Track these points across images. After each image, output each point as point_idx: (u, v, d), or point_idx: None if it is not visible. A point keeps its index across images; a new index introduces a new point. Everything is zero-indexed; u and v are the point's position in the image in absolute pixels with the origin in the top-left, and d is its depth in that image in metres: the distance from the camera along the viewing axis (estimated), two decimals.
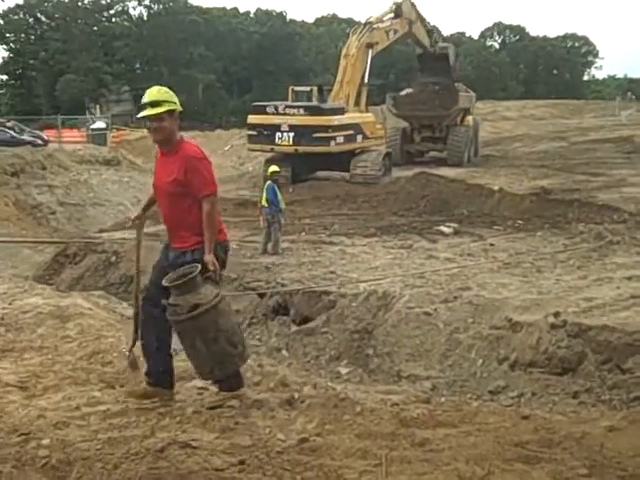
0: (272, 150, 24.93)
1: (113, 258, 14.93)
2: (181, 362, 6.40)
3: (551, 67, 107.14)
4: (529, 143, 39.80)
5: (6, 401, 5.72)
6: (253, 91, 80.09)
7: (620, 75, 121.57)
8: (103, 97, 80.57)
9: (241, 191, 25.26)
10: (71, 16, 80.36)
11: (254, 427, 5.23)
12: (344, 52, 27.29)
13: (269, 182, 14.75)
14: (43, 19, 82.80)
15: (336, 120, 24.16)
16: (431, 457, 4.71)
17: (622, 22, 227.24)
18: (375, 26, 27.81)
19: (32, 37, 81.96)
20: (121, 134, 47.36)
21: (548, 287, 10.91)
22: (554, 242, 14.69)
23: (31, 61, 79.58)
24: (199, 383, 6.22)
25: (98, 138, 40.77)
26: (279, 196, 14.62)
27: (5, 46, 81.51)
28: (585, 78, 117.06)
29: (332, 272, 12.56)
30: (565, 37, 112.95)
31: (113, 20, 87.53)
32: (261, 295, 12.28)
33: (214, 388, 5.83)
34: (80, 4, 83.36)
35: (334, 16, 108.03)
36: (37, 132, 42.22)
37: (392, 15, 28.97)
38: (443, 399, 7.13)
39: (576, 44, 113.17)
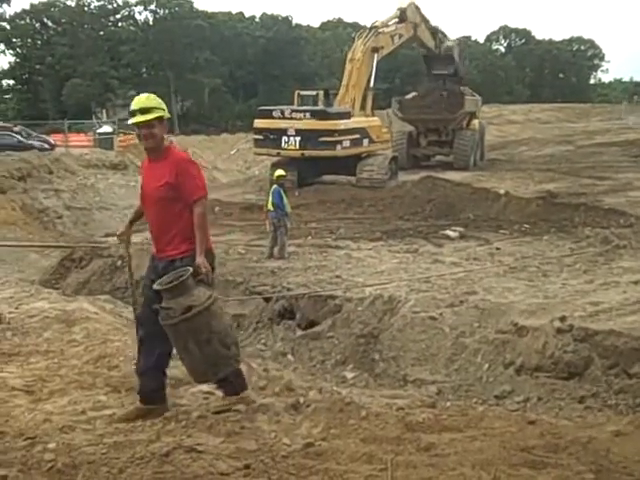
0: (278, 154, 24.95)
1: (119, 262, 14.94)
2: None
3: (557, 70, 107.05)
4: (535, 147, 39.75)
5: (12, 405, 5.73)
6: (259, 95, 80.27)
7: (626, 78, 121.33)
8: (109, 101, 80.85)
9: (247, 195, 25.27)
10: (77, 21, 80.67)
11: (259, 431, 5.23)
12: (350, 56, 27.32)
13: (275, 186, 14.76)
14: (50, 24, 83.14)
15: (342, 124, 24.17)
16: (437, 462, 4.70)
17: (628, 25, 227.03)
18: (380, 30, 27.84)
19: (39, 42, 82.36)
20: (128, 138, 47.38)
21: (554, 291, 10.88)
22: (560, 246, 14.65)
23: (38, 66, 79.92)
24: (205, 388, 6.22)
25: (105, 142, 40.92)
26: (285, 200, 14.62)
27: (12, 51, 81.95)
28: (591, 81, 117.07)
29: (338, 276, 12.55)
30: (571, 40, 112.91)
31: (119, 25, 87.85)
32: (267, 299, 12.28)
33: (219, 392, 5.82)
34: (86, 9, 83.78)
35: (340, 20, 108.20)
36: (44, 136, 42.40)
37: (397, 20, 29.01)
38: (449, 403, 7.11)
39: (582, 47, 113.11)
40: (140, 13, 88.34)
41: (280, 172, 15.30)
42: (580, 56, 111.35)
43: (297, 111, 24.70)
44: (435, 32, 31.80)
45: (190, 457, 4.71)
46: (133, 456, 4.68)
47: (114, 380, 6.31)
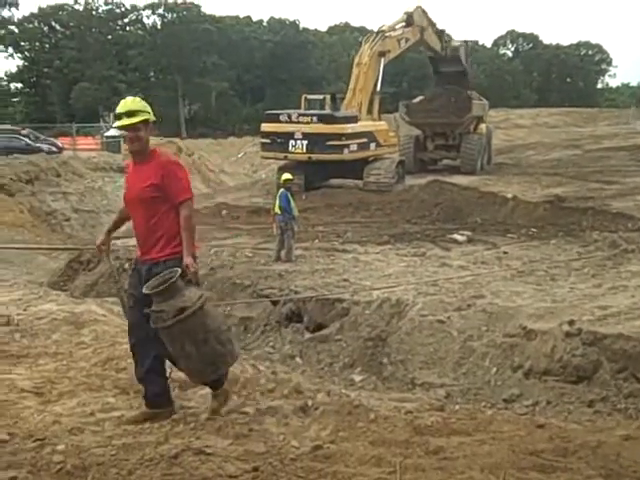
0: (285, 158, 24.98)
1: (127, 264, 14.96)
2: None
3: (564, 75, 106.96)
4: (542, 151, 39.72)
5: (21, 407, 5.75)
6: (266, 99, 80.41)
7: (634, 83, 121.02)
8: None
9: (254, 198, 25.30)
10: (85, 25, 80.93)
11: (268, 434, 5.24)
12: (356, 60, 27.35)
13: (282, 190, 14.75)
14: (58, 28, 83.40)
15: (349, 128, 24.20)
16: (445, 465, 4.70)
17: (636, 30, 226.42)
18: (387, 35, 27.88)
19: (47, 45, 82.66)
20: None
21: (562, 295, 10.85)
22: (568, 250, 14.62)
23: (46, 69, 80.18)
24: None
25: (112, 146, 40.95)
26: (292, 203, 14.62)
27: (20, 54, 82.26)
28: (599, 86, 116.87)
29: (345, 280, 12.54)
30: (579, 45, 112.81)
31: (127, 29, 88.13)
32: (274, 302, 12.27)
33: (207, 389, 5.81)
34: (94, 13, 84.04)
35: (347, 25, 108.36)
36: (51, 139, 42.53)
37: (404, 24, 29.05)
38: (457, 407, 7.09)
39: (590, 52, 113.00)
40: (148, 17, 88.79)
41: (287, 176, 15.29)
42: (588, 61, 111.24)
43: (304, 115, 24.73)
44: (441, 34, 31.83)
45: (199, 459, 4.72)
46: (142, 458, 4.69)
47: (122, 382, 6.32)
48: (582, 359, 8.78)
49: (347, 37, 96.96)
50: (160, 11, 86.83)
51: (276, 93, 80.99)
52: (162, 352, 5.38)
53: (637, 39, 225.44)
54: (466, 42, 33.62)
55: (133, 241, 17.37)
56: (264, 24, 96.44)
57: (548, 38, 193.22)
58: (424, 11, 30.10)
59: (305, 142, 23.85)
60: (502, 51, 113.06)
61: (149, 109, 5.51)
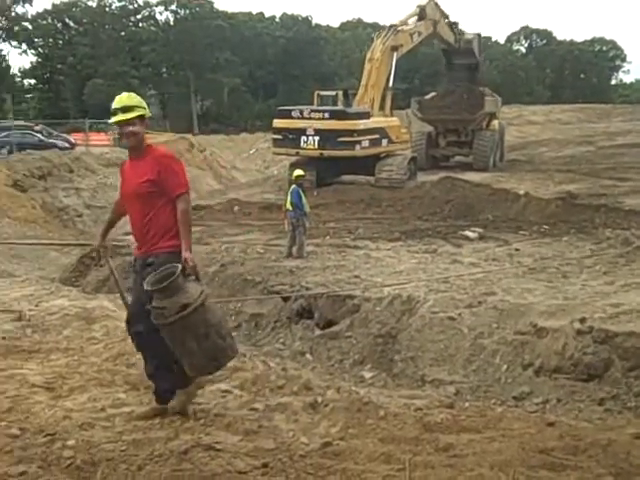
0: (297, 154, 25.01)
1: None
2: None
3: (578, 71, 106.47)
4: (555, 147, 39.58)
5: (32, 402, 5.77)
6: (278, 95, 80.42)
7: None
8: None
9: (266, 194, 25.35)
10: (99, 21, 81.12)
11: (277, 430, 5.25)
12: (369, 56, 27.33)
13: (294, 186, 14.76)
14: (71, 24, 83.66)
15: (361, 124, 24.19)
16: (455, 462, 4.70)
17: None
18: (399, 29, 27.82)
19: (60, 42, 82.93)
20: (147, 137, 47.63)
21: (574, 293, 10.80)
22: (580, 247, 14.55)
23: (59, 66, 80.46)
24: (223, 386, 6.25)
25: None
26: (304, 200, 14.62)
27: (34, 51, 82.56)
28: (612, 82, 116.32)
29: (356, 276, 12.53)
30: (592, 41, 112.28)
31: (140, 25, 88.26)
32: (285, 299, 12.27)
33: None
34: (108, 9, 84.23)
35: (359, 20, 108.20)
36: (64, 135, 42.68)
37: (416, 17, 28.96)
38: (467, 404, 7.07)
39: (604, 48, 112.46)
40: (161, 13, 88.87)
41: (299, 172, 15.30)
42: (601, 57, 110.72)
43: (316, 111, 24.75)
44: (454, 27, 31.70)
45: (208, 455, 4.73)
46: (152, 453, 4.71)
47: (133, 378, 6.34)
48: (593, 357, 8.73)
49: (360, 33, 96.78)
50: (173, 7, 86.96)
51: (288, 89, 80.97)
52: (163, 353, 5.36)
53: None
54: (479, 34, 33.44)
55: None
56: (277, 20, 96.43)
57: (562, 34, 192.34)
58: (437, 4, 30.03)
59: (317, 138, 23.86)
60: (515, 47, 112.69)
61: (144, 104, 5.51)
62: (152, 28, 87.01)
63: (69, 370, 6.59)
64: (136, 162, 5.47)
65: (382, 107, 26.97)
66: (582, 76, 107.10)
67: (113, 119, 5.43)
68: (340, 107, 25.59)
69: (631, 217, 17.09)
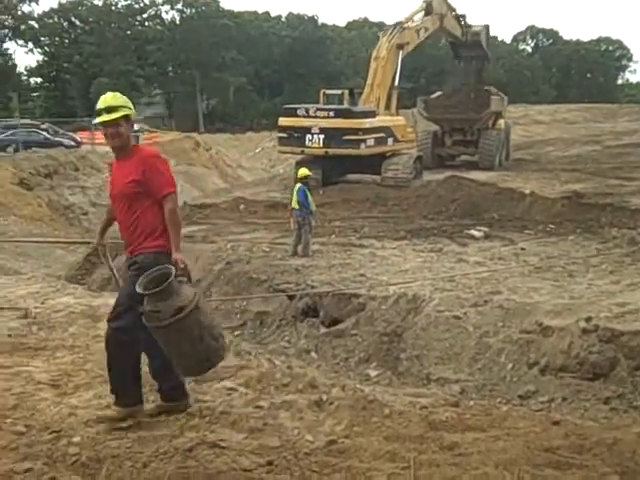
0: (302, 152, 24.99)
1: None
2: None
3: (584, 71, 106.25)
4: (561, 147, 39.50)
5: (38, 399, 5.79)
6: (284, 94, 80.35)
7: None
8: (135, 100, 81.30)
9: (272, 193, 25.33)
10: (105, 20, 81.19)
11: (282, 428, 5.25)
12: (374, 54, 27.25)
13: (300, 184, 14.75)
14: (77, 23, 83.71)
15: (367, 123, 24.16)
16: (460, 461, 4.69)
17: None
18: (405, 26, 27.68)
19: (66, 41, 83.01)
20: (153, 136, 47.72)
21: (580, 292, 10.79)
22: (586, 247, 14.53)
23: (65, 64, 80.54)
24: (228, 384, 6.25)
25: None
26: (310, 198, 14.63)
27: (40, 49, 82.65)
28: (619, 82, 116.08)
29: (362, 275, 12.54)
30: (599, 40, 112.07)
31: (146, 24, 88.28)
32: (291, 297, 12.29)
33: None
34: (114, 8, 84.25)
35: (365, 20, 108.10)
36: (70, 134, 42.74)
37: (422, 13, 28.81)
38: (472, 403, 7.08)
39: (610, 48, 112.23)
40: (167, 12, 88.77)
41: (305, 171, 15.29)
42: (608, 56, 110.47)
43: (322, 109, 24.72)
44: (461, 19, 31.52)
45: (213, 452, 4.74)
46: (157, 451, 4.72)
47: None
48: (599, 356, 8.73)
49: (366, 32, 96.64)
50: (179, 6, 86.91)
51: (294, 88, 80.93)
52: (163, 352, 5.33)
53: None
54: (487, 26, 33.24)
55: None
56: (282, 19, 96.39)
57: (568, 34, 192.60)
58: None
59: (322, 137, 23.84)
60: (521, 47, 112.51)
61: (130, 104, 5.43)
62: (158, 27, 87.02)
63: (75, 367, 6.61)
64: (123, 162, 5.40)
65: (388, 106, 26.91)
66: (588, 75, 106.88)
67: (97, 120, 5.34)
68: (346, 106, 25.56)
69: (637, 216, 17.03)
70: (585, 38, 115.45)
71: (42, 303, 9.56)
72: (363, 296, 11.38)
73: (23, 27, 78.07)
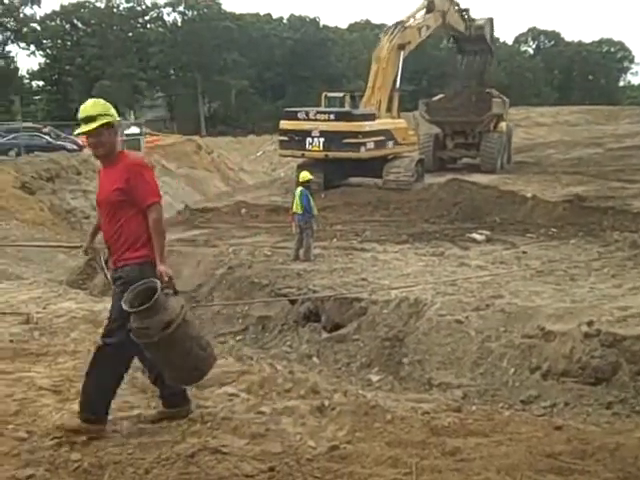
0: (303, 155, 25.03)
1: None
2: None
3: (586, 73, 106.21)
4: (563, 149, 39.47)
5: (40, 405, 5.79)
6: (286, 97, 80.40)
7: None
8: (137, 103, 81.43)
9: (273, 197, 25.35)
10: (107, 22, 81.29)
11: (285, 434, 5.25)
12: (375, 55, 27.21)
13: (300, 188, 14.75)
14: (79, 25, 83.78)
15: (367, 126, 24.16)
16: (462, 466, 4.70)
17: None
18: (407, 25, 27.57)
19: (68, 43, 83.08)
20: (154, 139, 47.77)
21: (582, 296, 10.79)
22: (588, 250, 14.52)
23: (67, 67, 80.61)
24: (229, 389, 6.25)
25: (132, 143, 41.15)
26: (312, 202, 14.63)
27: (42, 52, 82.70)
28: (621, 84, 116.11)
29: (363, 279, 12.54)
30: (600, 42, 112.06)
31: (148, 26, 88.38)
32: (292, 301, 12.28)
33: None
34: (116, 10, 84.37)
35: (367, 22, 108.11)
36: (72, 137, 42.75)
37: (424, 11, 28.65)
38: (474, 408, 7.06)
39: (612, 49, 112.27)
40: (169, 15, 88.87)
41: (307, 174, 15.28)
42: (610, 58, 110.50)
43: (322, 112, 24.76)
44: (465, 13, 31.32)
45: (215, 458, 4.74)
46: (159, 457, 4.72)
47: (140, 381, 6.33)
48: (601, 360, 8.72)
49: (368, 34, 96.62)
50: (180, 9, 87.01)
51: (296, 91, 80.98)
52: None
53: None
54: (491, 19, 33.08)
55: None
56: (284, 21, 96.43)
57: (570, 35, 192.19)
58: None
59: (322, 140, 23.86)
60: (523, 48, 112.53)
61: (111, 111, 5.29)
62: (160, 29, 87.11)
63: (76, 373, 6.59)
64: (109, 169, 5.31)
65: (389, 109, 26.91)
66: (590, 77, 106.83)
67: (77, 131, 5.30)
68: (346, 109, 25.57)
69: (639, 220, 17.03)
70: (587, 40, 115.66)
71: (44, 308, 9.57)
72: (365, 300, 11.38)
73: (25, 30, 78.15)
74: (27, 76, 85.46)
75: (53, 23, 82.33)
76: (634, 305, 9.98)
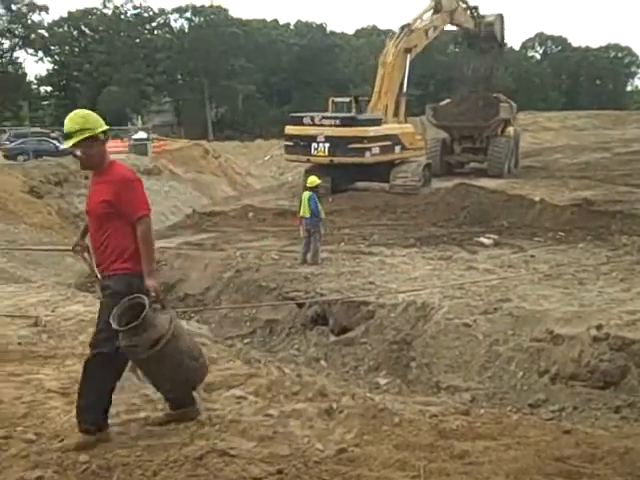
0: (308, 160, 25.05)
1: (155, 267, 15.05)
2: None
3: (593, 77, 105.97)
4: (570, 154, 39.35)
5: (48, 407, 5.79)
6: (293, 102, 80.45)
7: None
8: (145, 108, 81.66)
9: (280, 201, 25.36)
10: (114, 29, 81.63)
11: (292, 436, 5.24)
12: (381, 60, 27.14)
13: (307, 192, 14.75)
14: (87, 32, 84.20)
15: (372, 131, 24.12)
16: (470, 470, 4.67)
17: None
18: (413, 27, 27.45)
19: (76, 49, 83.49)
20: (162, 144, 47.88)
21: (590, 299, 10.76)
22: (596, 254, 14.49)
23: (75, 73, 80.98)
24: (237, 392, 6.24)
25: (139, 148, 41.25)
26: (320, 206, 14.64)
27: (50, 58, 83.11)
28: (628, 89, 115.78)
29: (371, 282, 12.53)
30: (608, 47, 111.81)
31: (155, 32, 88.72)
32: (300, 305, 12.29)
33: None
34: (123, 17, 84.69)
35: (374, 27, 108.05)
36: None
37: (431, 12, 28.48)
38: (482, 411, 7.03)
39: (619, 54, 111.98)
40: (176, 21, 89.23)
41: (315, 179, 15.27)
42: (617, 63, 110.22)
43: (327, 118, 24.77)
44: (474, 11, 31.00)
45: (223, 461, 4.73)
46: (167, 459, 4.71)
47: (146, 383, 6.34)
48: (609, 364, 8.70)
49: (374, 40, 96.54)
50: (187, 15, 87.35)
51: (303, 96, 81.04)
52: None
53: None
54: (501, 15, 32.84)
55: (161, 243, 17.41)
56: (291, 27, 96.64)
57: (577, 40, 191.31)
58: None
59: (327, 145, 23.87)
60: (530, 54, 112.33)
61: (92, 124, 5.10)
62: (167, 35, 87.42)
63: None
64: (99, 180, 5.24)
65: (396, 113, 26.87)
66: (598, 82, 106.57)
67: (62, 146, 5.29)
68: (350, 114, 25.54)
69: None
70: (594, 45, 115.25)
71: (52, 311, 9.58)
72: (372, 304, 11.38)
73: (33, 36, 78.45)
74: (35, 82, 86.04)
75: (61, 30, 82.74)
76: None
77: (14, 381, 6.43)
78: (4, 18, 76.23)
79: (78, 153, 5.19)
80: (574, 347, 9.02)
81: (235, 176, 45.76)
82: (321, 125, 24.35)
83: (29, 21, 78.38)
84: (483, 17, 31.60)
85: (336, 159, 23.87)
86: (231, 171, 46.11)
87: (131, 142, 43.73)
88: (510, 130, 31.90)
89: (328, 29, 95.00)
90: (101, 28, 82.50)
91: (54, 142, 39.53)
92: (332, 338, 11.50)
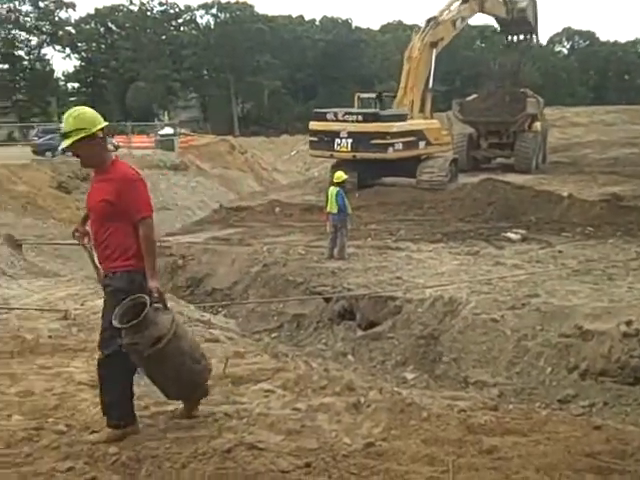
0: (331, 156, 25.11)
1: (180, 261, 15.16)
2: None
3: (622, 72, 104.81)
4: (599, 149, 39.01)
5: (79, 399, 5.84)
6: (318, 97, 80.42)
7: None
8: (171, 103, 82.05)
9: (307, 196, 25.39)
10: (140, 25, 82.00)
11: (320, 430, 5.24)
12: (407, 55, 27.04)
13: (337, 188, 14.68)
14: (114, 28, 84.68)
15: (395, 127, 24.05)
16: (499, 465, 4.64)
17: None
18: (440, 19, 27.27)
19: (103, 46, 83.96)
20: (188, 140, 48.07)
21: (620, 295, 10.66)
22: (626, 249, 14.36)
23: (102, 69, 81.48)
24: (265, 386, 6.26)
25: (166, 144, 41.45)
26: (347, 201, 14.62)
27: (77, 55, 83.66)
28: None
29: (398, 277, 12.51)
30: (636, 42, 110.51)
31: (181, 29, 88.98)
32: (327, 299, 12.30)
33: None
34: (149, 14, 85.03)
35: (400, 23, 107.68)
36: (107, 138, 43.18)
37: (459, 2, 28.23)
38: (511, 406, 6.97)
39: None
40: (202, 17, 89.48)
41: (342, 174, 15.23)
42: None
43: (350, 113, 24.79)
44: None
45: (251, 454, 4.73)
46: (196, 451, 4.73)
47: None
48: None
49: (400, 35, 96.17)
50: (213, 11, 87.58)
51: (328, 91, 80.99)
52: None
53: None
54: (533, 0, 32.36)
55: (187, 238, 17.50)
56: (317, 23, 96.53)
57: (605, 35, 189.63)
58: None
59: (350, 140, 23.89)
60: (557, 48, 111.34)
61: (86, 123, 4.99)
62: (193, 32, 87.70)
63: None
64: (100, 177, 5.17)
65: (422, 109, 26.77)
66: (626, 77, 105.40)
67: (61, 146, 5.28)
68: (374, 110, 25.49)
69: None
70: (622, 39, 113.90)
71: (81, 305, 9.67)
72: (399, 299, 11.36)
73: (60, 33, 79.02)
74: (63, 78, 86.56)
75: (88, 26, 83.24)
76: None
77: (45, 374, 6.49)
78: (32, 15, 76.82)
79: (70, 154, 5.17)
80: (604, 343, 8.95)
81: (261, 171, 45.85)
82: (344, 121, 24.39)
83: (56, 18, 78.91)
84: (515, 3, 31.17)
85: (359, 155, 23.88)
86: (257, 166, 46.20)
87: (158, 138, 43.97)
88: (537, 125, 31.66)
89: (353, 25, 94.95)
90: (127, 25, 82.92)
91: None
92: (359, 333, 11.50)
